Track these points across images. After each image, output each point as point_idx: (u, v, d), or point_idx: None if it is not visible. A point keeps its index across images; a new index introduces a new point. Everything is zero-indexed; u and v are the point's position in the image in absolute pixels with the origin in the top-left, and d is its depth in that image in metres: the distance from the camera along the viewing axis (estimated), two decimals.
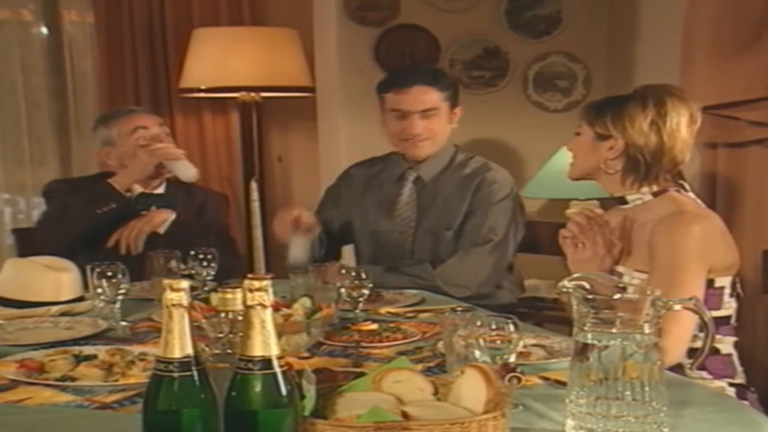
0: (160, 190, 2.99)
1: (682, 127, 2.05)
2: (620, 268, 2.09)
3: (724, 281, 2.01)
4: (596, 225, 2.12)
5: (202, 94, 4.01)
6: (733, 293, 2.04)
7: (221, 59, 3.87)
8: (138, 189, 2.94)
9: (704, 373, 1.98)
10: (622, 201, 2.14)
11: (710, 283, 1.98)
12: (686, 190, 2.11)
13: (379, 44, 3.87)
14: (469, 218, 2.76)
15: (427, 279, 2.67)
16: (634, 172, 2.09)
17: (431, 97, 2.75)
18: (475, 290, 2.68)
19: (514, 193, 2.81)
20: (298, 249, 2.51)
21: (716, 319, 1.94)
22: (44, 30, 4.18)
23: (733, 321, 2.05)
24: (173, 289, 1.12)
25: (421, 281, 2.67)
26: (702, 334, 1.49)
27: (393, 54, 3.86)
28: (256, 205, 1.94)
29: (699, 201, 2.12)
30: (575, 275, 1.40)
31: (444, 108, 2.78)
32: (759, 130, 2.72)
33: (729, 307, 2.03)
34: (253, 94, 4.01)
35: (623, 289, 1.98)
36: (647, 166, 2.07)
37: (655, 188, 2.09)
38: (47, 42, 4.17)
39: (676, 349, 1.85)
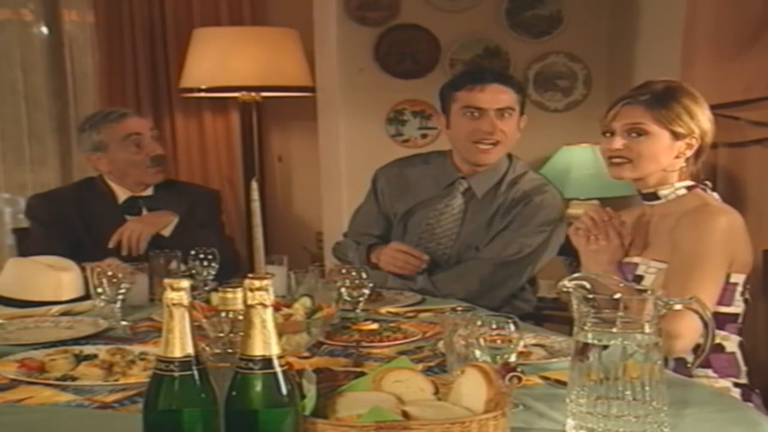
0: (149, 192, 2.97)
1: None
2: (636, 259, 2.10)
3: (738, 278, 2.01)
4: (608, 217, 2.14)
5: (203, 94, 4.02)
6: (743, 293, 2.04)
7: (221, 59, 3.87)
8: (125, 193, 2.94)
9: (709, 371, 1.98)
10: (653, 197, 2.13)
11: (726, 278, 1.99)
12: (712, 190, 2.14)
13: (379, 44, 3.86)
14: (500, 233, 2.69)
15: (422, 285, 2.65)
16: (695, 164, 2.12)
17: (507, 96, 2.67)
18: (463, 295, 2.57)
19: (558, 219, 2.70)
20: (277, 278, 2.44)
21: (725, 315, 1.98)
22: (44, 30, 4.18)
23: (739, 321, 2.05)
24: (174, 289, 1.12)
25: (414, 285, 2.65)
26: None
27: (393, 54, 3.86)
28: (256, 205, 1.94)
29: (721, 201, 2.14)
30: (575, 275, 1.40)
31: (516, 111, 2.69)
32: (759, 129, 2.72)
33: (738, 306, 2.03)
34: (253, 94, 4.01)
35: (639, 278, 2.01)
36: (705, 154, 2.12)
37: (689, 182, 2.10)
38: (47, 42, 4.17)
39: (689, 336, 1.85)
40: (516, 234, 2.67)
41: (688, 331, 1.83)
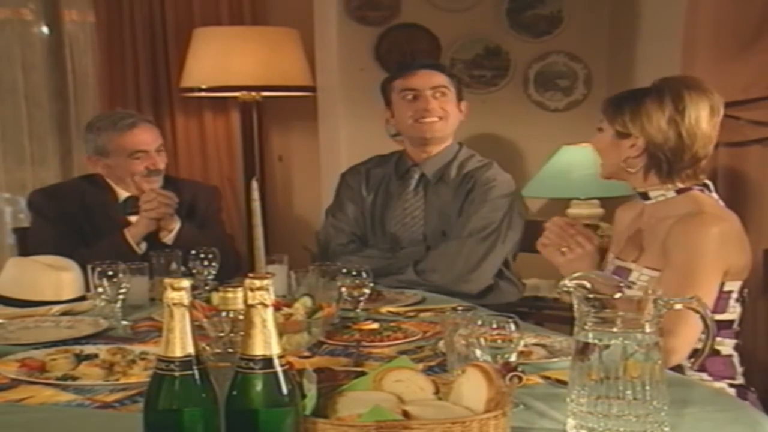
0: None
1: (702, 121, 2.01)
2: (631, 265, 2.08)
3: (733, 286, 1.99)
4: (570, 227, 2.13)
5: (203, 94, 4.01)
6: (740, 298, 2.02)
7: (222, 59, 3.86)
8: (125, 192, 2.93)
9: (704, 375, 1.97)
10: (645, 196, 2.11)
11: (720, 286, 1.96)
12: (710, 191, 2.08)
13: (379, 44, 3.87)
14: (461, 214, 2.79)
15: (408, 278, 2.70)
16: (657, 170, 2.05)
17: (438, 78, 2.86)
18: (451, 277, 2.68)
19: (511, 195, 2.81)
20: (278, 278, 2.43)
21: (719, 322, 1.94)
22: (45, 29, 4.17)
23: (735, 325, 2.03)
24: (174, 288, 1.12)
25: (402, 278, 2.70)
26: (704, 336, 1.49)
27: (394, 53, 3.86)
28: (256, 205, 1.95)
29: (721, 202, 2.09)
30: (576, 274, 1.40)
31: (451, 92, 2.86)
32: (759, 129, 2.71)
33: (733, 311, 2.02)
34: (253, 94, 4.01)
35: (626, 287, 1.98)
36: (669, 163, 2.03)
37: (679, 185, 2.05)
38: (48, 41, 4.17)
39: (683, 350, 1.84)
40: (474, 211, 2.76)
41: (683, 344, 1.83)
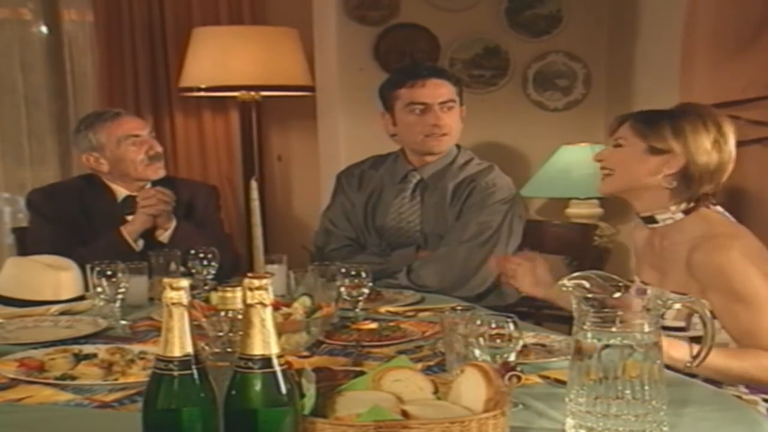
0: None
1: (734, 149, 1.99)
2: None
3: None
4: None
5: (202, 93, 4.01)
6: None
7: (221, 58, 3.87)
8: (124, 192, 2.93)
9: (741, 386, 1.91)
10: (651, 220, 2.06)
11: None
12: (713, 204, 2.03)
13: (379, 43, 3.87)
14: (458, 218, 2.77)
15: (400, 284, 2.68)
16: (686, 190, 1.99)
17: (447, 89, 2.80)
18: (447, 285, 2.65)
19: (511, 200, 2.79)
20: (277, 278, 2.42)
21: None
22: (44, 29, 4.18)
23: None
24: (173, 288, 1.12)
25: (394, 283, 2.68)
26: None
27: (393, 53, 3.87)
28: (256, 205, 1.95)
29: (727, 214, 2.04)
30: (576, 274, 1.40)
31: (456, 104, 2.82)
32: (759, 129, 2.72)
33: None
34: (253, 93, 4.01)
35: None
36: (699, 184, 1.98)
37: (684, 206, 2.00)
38: (47, 41, 4.17)
39: None
40: (473, 216, 2.74)
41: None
